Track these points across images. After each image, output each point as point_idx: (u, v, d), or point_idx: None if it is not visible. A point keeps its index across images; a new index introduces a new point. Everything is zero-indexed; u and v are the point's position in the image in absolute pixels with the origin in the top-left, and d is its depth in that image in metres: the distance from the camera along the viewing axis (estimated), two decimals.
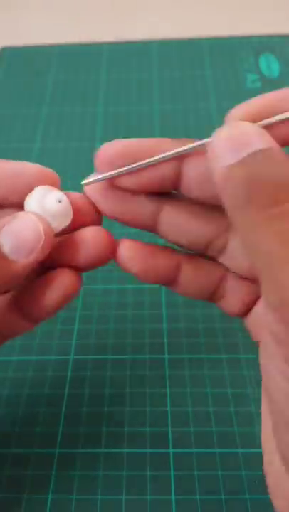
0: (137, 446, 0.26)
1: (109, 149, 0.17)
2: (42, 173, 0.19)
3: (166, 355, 0.30)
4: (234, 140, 0.15)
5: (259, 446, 0.26)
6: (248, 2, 0.64)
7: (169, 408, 0.28)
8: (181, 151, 0.17)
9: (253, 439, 0.26)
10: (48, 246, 0.17)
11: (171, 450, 0.26)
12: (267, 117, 0.16)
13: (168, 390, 0.29)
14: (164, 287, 0.34)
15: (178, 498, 0.24)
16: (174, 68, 0.54)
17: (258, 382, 0.29)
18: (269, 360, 0.15)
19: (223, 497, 0.24)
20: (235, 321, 0.32)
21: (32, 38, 0.60)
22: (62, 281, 0.19)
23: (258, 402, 0.28)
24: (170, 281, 0.19)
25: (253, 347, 0.31)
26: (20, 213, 0.18)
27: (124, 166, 0.17)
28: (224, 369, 0.30)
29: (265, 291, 0.14)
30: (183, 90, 0.51)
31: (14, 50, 0.59)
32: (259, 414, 0.27)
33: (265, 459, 0.17)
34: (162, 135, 0.46)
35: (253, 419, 0.27)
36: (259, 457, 0.26)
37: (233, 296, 0.20)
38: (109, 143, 0.18)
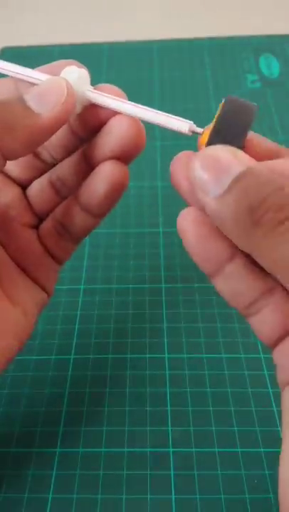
0: (137, 445, 0.26)
1: None
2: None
3: (167, 355, 0.30)
4: (211, 169, 0.15)
5: (259, 446, 0.26)
6: (248, 2, 0.64)
7: (169, 408, 0.28)
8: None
9: (253, 439, 0.26)
10: (70, 103, 0.19)
11: (171, 449, 0.26)
12: None
13: (168, 389, 0.29)
14: (164, 287, 0.34)
15: (178, 497, 0.24)
16: (174, 68, 0.54)
17: (257, 381, 0.29)
18: None
19: (223, 497, 0.24)
20: (235, 321, 0.32)
21: (32, 38, 0.60)
22: (106, 171, 0.20)
23: (257, 401, 0.28)
24: (217, 268, 0.17)
25: (253, 347, 0.31)
26: (47, 77, 0.20)
27: None
28: (224, 369, 0.30)
29: None
30: (183, 90, 0.51)
31: (14, 50, 0.59)
32: (259, 413, 0.27)
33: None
34: (162, 134, 0.46)
35: (253, 419, 0.27)
36: (259, 457, 0.26)
37: (271, 315, 0.17)
38: None
